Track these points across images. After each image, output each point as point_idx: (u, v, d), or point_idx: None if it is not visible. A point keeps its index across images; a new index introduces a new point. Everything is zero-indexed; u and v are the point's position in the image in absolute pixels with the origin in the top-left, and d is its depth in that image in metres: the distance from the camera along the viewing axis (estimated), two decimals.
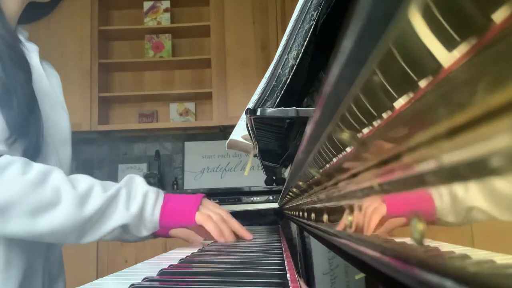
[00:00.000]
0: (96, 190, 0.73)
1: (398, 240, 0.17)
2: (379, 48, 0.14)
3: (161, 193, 0.82)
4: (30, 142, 0.74)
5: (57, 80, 0.98)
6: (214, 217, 0.83)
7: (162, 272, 0.49)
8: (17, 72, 0.74)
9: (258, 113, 0.52)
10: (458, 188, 0.11)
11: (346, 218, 0.27)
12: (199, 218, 0.81)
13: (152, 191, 0.80)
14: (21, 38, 0.86)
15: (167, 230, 0.83)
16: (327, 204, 0.35)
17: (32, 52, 0.87)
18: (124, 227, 0.78)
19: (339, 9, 0.50)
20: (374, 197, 0.18)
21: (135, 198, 0.78)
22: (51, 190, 0.68)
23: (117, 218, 0.75)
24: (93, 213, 0.71)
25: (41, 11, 0.97)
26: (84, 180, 0.74)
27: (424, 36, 0.11)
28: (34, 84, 0.80)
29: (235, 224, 0.87)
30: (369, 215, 0.19)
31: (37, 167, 0.69)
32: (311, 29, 0.50)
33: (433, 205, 0.13)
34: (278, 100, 0.52)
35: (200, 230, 0.84)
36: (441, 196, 0.12)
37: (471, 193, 0.11)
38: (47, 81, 0.88)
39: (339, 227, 0.29)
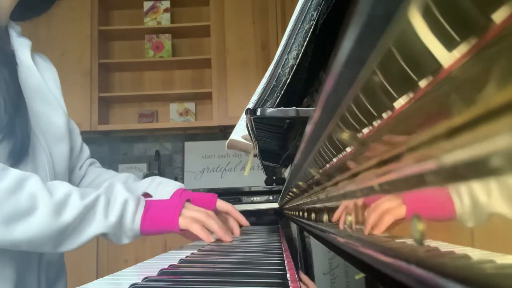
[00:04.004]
0: (73, 197, 0.70)
1: (398, 240, 0.17)
2: (379, 48, 0.14)
3: (142, 200, 0.79)
4: (16, 142, 0.72)
5: (54, 75, 0.95)
6: (197, 216, 0.80)
7: (162, 272, 0.49)
8: (2, 71, 0.72)
9: (258, 113, 0.52)
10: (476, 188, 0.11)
11: (346, 218, 0.27)
12: (183, 222, 0.78)
13: (132, 198, 0.77)
14: (13, 33, 0.85)
15: (151, 235, 0.80)
16: (327, 204, 0.35)
17: (23, 47, 0.85)
18: (104, 235, 0.75)
19: (339, 9, 0.50)
20: (390, 196, 0.18)
21: (114, 206, 0.74)
22: (26, 197, 0.65)
23: (96, 227, 0.72)
24: (70, 221, 0.68)
25: (38, 7, 0.95)
26: (61, 187, 0.71)
27: (424, 36, 0.11)
28: (22, 81, 0.78)
29: (215, 225, 0.83)
30: (383, 216, 0.19)
31: (13, 174, 0.66)
32: (311, 29, 0.50)
33: (452, 207, 0.12)
34: (278, 100, 0.52)
35: (187, 233, 0.81)
36: (461, 198, 0.12)
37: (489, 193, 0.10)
38: (39, 76, 0.86)
39: (340, 226, 0.29)
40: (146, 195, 0.97)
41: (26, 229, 0.65)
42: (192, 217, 0.79)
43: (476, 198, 0.11)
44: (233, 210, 1.01)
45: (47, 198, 0.67)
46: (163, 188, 0.97)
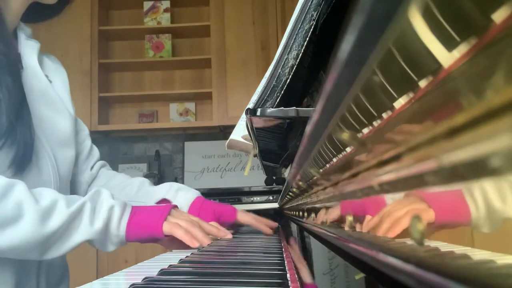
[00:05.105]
0: (59, 205, 0.69)
1: (398, 240, 0.17)
2: (379, 48, 0.14)
3: (128, 207, 0.79)
4: (19, 149, 0.72)
5: (63, 77, 0.95)
6: (182, 224, 0.79)
7: (162, 272, 0.49)
8: (4, 77, 0.72)
9: (258, 113, 0.52)
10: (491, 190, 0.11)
11: (346, 218, 0.27)
12: (166, 227, 0.77)
13: (118, 205, 0.76)
14: (22, 36, 0.85)
15: (136, 242, 0.80)
16: (327, 204, 0.35)
17: (30, 51, 0.84)
18: (90, 242, 0.75)
19: (339, 9, 0.50)
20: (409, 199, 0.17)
21: (99, 213, 0.74)
22: (13, 205, 0.64)
23: (81, 234, 0.72)
24: (56, 229, 0.68)
25: (48, 12, 0.95)
26: (47, 195, 0.70)
27: (424, 36, 0.11)
28: (27, 85, 0.78)
29: (209, 228, 0.83)
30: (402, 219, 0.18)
31: None
32: (311, 29, 0.50)
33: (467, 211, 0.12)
34: (278, 100, 0.52)
35: (173, 241, 0.81)
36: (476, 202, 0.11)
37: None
38: (45, 80, 0.86)
39: (340, 226, 0.29)
40: (165, 200, 0.97)
41: (12, 236, 0.64)
42: (176, 223, 0.79)
43: (491, 203, 0.10)
44: (255, 222, 1.01)
45: (33, 205, 0.66)
46: (182, 194, 0.98)
